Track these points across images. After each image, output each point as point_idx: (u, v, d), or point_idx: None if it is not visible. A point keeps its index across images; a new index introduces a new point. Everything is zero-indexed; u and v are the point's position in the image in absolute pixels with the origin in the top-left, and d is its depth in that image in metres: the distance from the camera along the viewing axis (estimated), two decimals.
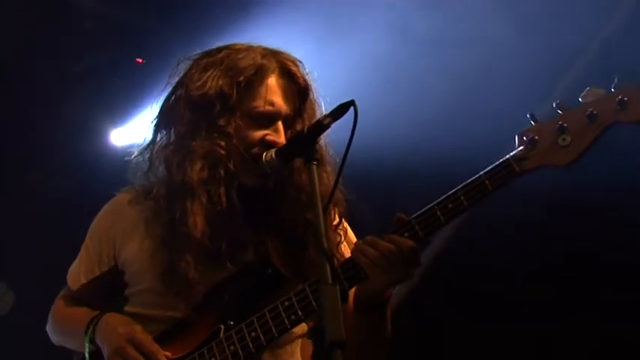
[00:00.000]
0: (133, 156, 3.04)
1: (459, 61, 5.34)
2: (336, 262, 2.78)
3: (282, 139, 2.81)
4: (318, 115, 2.89)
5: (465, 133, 5.18)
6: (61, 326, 3.08)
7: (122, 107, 6.56)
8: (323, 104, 2.94)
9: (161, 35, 6.24)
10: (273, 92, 2.86)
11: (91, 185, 6.34)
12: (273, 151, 2.70)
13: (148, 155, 2.97)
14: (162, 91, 3.00)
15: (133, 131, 6.50)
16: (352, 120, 2.45)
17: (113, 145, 6.69)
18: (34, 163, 6.63)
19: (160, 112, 2.99)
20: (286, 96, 2.88)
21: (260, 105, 2.84)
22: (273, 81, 2.87)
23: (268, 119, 2.85)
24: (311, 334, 2.96)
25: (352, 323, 2.73)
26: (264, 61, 2.89)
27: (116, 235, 2.97)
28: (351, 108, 2.46)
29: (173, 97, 2.95)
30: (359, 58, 5.41)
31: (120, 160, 6.41)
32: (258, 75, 2.86)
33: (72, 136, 6.65)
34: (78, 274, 3.05)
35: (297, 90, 2.92)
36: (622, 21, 4.98)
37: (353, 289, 2.71)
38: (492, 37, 5.25)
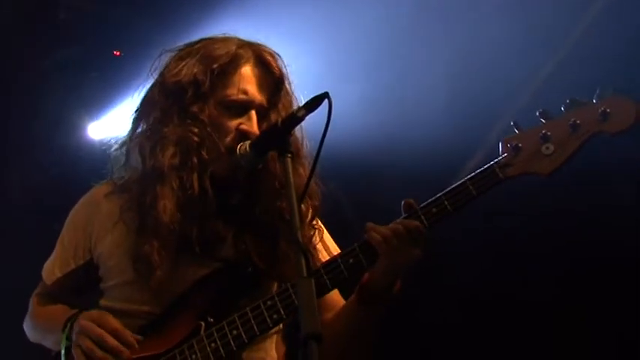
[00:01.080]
0: (112, 149, 3.04)
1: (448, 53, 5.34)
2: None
3: (254, 128, 2.82)
4: (294, 107, 2.89)
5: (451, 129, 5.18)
6: (38, 324, 3.06)
7: (99, 100, 6.52)
8: (301, 97, 2.94)
9: (138, 27, 6.21)
10: (247, 81, 2.87)
11: (69, 179, 6.31)
12: (247, 144, 2.69)
13: (125, 147, 2.98)
14: (142, 84, 3.02)
15: (111, 124, 6.48)
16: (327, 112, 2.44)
17: (90, 138, 6.66)
18: (10, 159, 6.58)
19: (139, 105, 3.00)
20: (260, 85, 2.89)
21: (233, 93, 2.86)
22: (247, 70, 2.89)
23: (241, 108, 2.86)
24: (285, 333, 2.98)
25: (347, 315, 2.82)
26: (240, 51, 2.90)
27: (92, 229, 2.97)
28: (326, 100, 2.46)
29: (150, 88, 2.98)
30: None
31: (98, 153, 6.43)
32: (233, 63, 2.88)
33: (48, 130, 6.62)
34: (52, 268, 3.04)
35: (273, 80, 2.93)
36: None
37: (363, 282, 2.75)
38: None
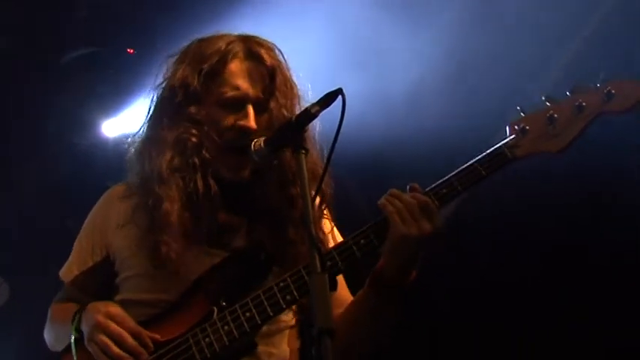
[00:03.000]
0: (128, 151, 3.08)
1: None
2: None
3: (251, 122, 2.84)
4: (296, 93, 2.98)
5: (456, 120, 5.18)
6: (52, 326, 3.08)
7: (113, 98, 6.55)
8: (308, 84, 3.01)
9: (152, 25, 6.22)
10: (238, 76, 2.90)
11: (84, 176, 6.35)
12: (262, 140, 2.70)
13: (132, 151, 3.04)
14: (155, 84, 3.06)
15: (125, 122, 6.50)
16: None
17: (105, 136, 6.69)
18: (24, 156, 6.61)
19: (148, 109, 3.07)
20: (253, 78, 2.91)
21: (226, 91, 2.89)
22: (237, 65, 2.91)
23: (236, 104, 2.89)
24: (299, 328, 2.99)
25: (358, 306, 2.83)
26: (229, 47, 2.93)
27: (108, 227, 3.01)
28: (339, 96, 2.46)
29: (152, 94, 3.05)
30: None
31: (111, 151, 6.48)
32: (221, 61, 2.91)
33: (63, 128, 6.65)
34: (70, 266, 3.07)
35: (266, 71, 2.94)
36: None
37: (377, 268, 2.74)
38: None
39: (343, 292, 3.00)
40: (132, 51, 6.46)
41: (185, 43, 3.06)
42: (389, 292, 2.73)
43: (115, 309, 2.75)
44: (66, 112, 6.56)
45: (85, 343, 2.73)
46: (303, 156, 2.43)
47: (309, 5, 5.40)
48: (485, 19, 5.20)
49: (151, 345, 2.70)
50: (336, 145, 2.43)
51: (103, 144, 6.64)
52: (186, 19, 5.71)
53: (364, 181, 5.33)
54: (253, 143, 2.70)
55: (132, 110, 6.32)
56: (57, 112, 6.52)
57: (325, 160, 2.54)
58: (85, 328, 2.77)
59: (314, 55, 4.69)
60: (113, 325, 2.68)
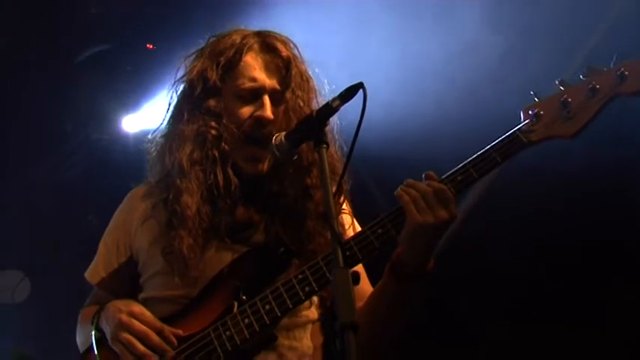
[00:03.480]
0: (150, 150, 3.09)
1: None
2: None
3: (268, 113, 2.86)
4: (312, 87, 3.00)
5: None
6: (80, 329, 3.08)
7: (133, 94, 6.57)
8: (324, 79, 3.02)
9: (171, 21, 6.23)
10: (254, 68, 2.93)
11: (104, 171, 6.38)
12: (282, 135, 2.70)
13: (152, 148, 3.07)
14: (175, 79, 3.08)
15: (145, 117, 6.54)
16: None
17: (125, 131, 6.71)
18: (46, 152, 6.65)
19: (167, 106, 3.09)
20: (269, 70, 2.94)
21: (242, 82, 2.91)
22: (252, 57, 2.94)
23: (253, 95, 2.91)
24: (322, 323, 2.98)
25: (378, 297, 2.81)
26: (244, 40, 2.96)
27: (131, 227, 3.04)
28: (360, 90, 2.47)
29: (171, 91, 3.07)
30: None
31: (132, 146, 6.50)
32: (237, 54, 2.94)
33: (83, 124, 6.68)
34: (97, 267, 3.09)
35: (282, 63, 2.96)
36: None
37: (394, 258, 2.73)
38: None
39: (364, 285, 2.99)
40: (151, 46, 6.47)
41: (203, 38, 3.08)
42: (407, 280, 2.71)
43: (138, 307, 2.77)
44: (86, 108, 6.59)
45: (110, 342, 2.75)
46: (324, 150, 2.43)
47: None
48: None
49: (174, 341, 2.71)
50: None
51: (123, 139, 6.67)
52: (205, 14, 5.72)
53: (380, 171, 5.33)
54: (274, 138, 2.71)
55: (152, 105, 6.34)
56: (78, 108, 6.55)
57: (346, 156, 2.53)
58: (106, 327, 2.79)
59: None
60: (137, 324, 2.70)
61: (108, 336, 2.76)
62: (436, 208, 2.60)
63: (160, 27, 6.30)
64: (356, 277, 2.56)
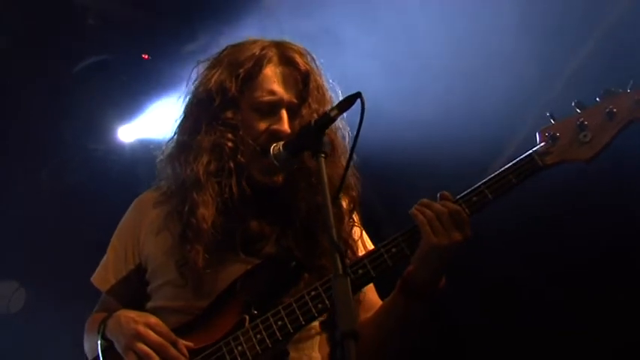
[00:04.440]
0: (159, 156, 3.09)
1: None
2: (350, 252, 2.90)
3: (285, 127, 2.85)
4: (328, 99, 2.98)
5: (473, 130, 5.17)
6: (87, 337, 3.07)
7: (129, 103, 6.56)
8: (338, 90, 3.01)
9: (166, 31, 6.24)
10: (272, 81, 2.91)
11: (100, 181, 6.37)
12: (281, 144, 2.72)
13: (166, 156, 3.05)
14: (184, 92, 3.09)
15: (140, 127, 6.53)
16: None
17: (121, 141, 6.70)
18: (42, 161, 6.63)
19: (179, 116, 3.07)
20: (287, 83, 2.93)
21: (260, 95, 2.90)
22: (271, 70, 2.93)
23: (271, 108, 2.90)
24: (328, 334, 2.98)
25: (387, 311, 2.83)
26: (263, 52, 2.95)
27: (140, 233, 3.03)
28: (358, 100, 2.49)
29: (186, 99, 3.06)
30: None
31: (127, 156, 6.50)
32: (257, 66, 2.92)
33: (79, 133, 6.67)
34: (106, 274, 3.08)
35: (300, 76, 2.96)
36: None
37: (405, 275, 2.74)
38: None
39: (372, 296, 3.01)
40: (147, 57, 6.47)
41: (208, 44, 3.07)
42: (417, 297, 2.74)
43: (154, 318, 2.75)
44: (82, 118, 6.58)
45: (121, 351, 2.73)
46: (322, 159, 2.45)
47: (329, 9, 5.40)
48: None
49: (187, 354, 2.70)
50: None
51: (119, 149, 6.66)
52: (201, 25, 5.74)
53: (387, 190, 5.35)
54: (272, 147, 2.73)
55: (148, 115, 6.34)
56: (73, 117, 6.54)
57: (346, 164, 2.57)
58: (116, 336, 2.77)
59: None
60: (154, 335, 2.69)
61: (118, 345, 2.75)
62: (451, 229, 2.63)
63: (155, 38, 6.31)
64: (359, 286, 2.63)
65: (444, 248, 2.63)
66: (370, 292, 3.01)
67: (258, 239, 2.89)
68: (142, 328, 2.70)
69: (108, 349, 2.79)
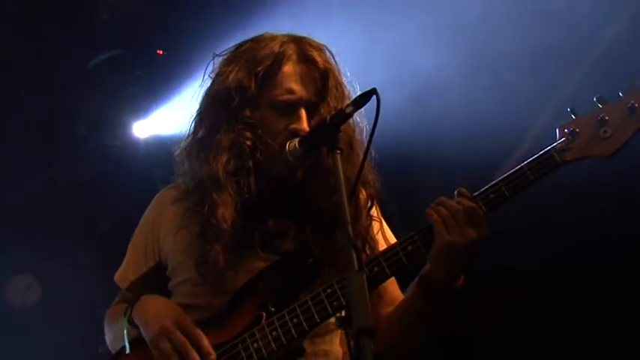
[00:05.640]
0: (176, 152, 3.07)
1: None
2: (367, 248, 2.89)
3: (304, 125, 2.84)
4: (347, 96, 2.95)
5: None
6: (109, 327, 3.08)
7: (144, 99, 6.58)
8: (357, 86, 3.00)
9: (181, 26, 6.25)
10: (291, 80, 2.89)
11: (115, 177, 6.39)
12: (296, 141, 2.72)
13: (184, 153, 3.03)
14: (201, 86, 3.07)
15: (155, 123, 6.55)
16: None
17: (135, 137, 6.72)
18: (55, 157, 6.65)
19: (196, 111, 3.05)
20: (306, 82, 2.91)
21: (279, 94, 2.88)
22: (290, 68, 2.90)
23: (289, 107, 2.88)
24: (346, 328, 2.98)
25: (406, 308, 2.84)
26: (282, 49, 2.92)
27: (159, 231, 3.04)
28: (374, 96, 2.47)
29: (203, 93, 3.04)
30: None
31: (142, 152, 6.51)
32: (276, 64, 2.90)
33: (94, 129, 6.69)
34: (126, 272, 3.11)
35: (319, 74, 2.93)
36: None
37: (423, 273, 2.74)
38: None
39: (394, 290, 3.01)
40: (161, 52, 6.49)
41: (222, 40, 3.04)
42: (436, 296, 2.73)
43: (185, 319, 2.74)
44: (97, 114, 6.60)
45: (148, 343, 2.72)
46: (338, 156, 2.44)
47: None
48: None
49: (212, 353, 2.68)
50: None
51: (134, 145, 6.68)
52: (216, 19, 5.74)
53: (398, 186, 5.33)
54: (288, 144, 2.73)
55: (163, 111, 6.36)
56: (88, 113, 6.56)
57: (361, 161, 2.57)
58: (144, 324, 2.77)
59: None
60: (179, 335, 2.67)
61: (145, 334, 2.75)
62: (466, 227, 2.61)
63: (170, 33, 6.32)
64: (375, 282, 2.65)
65: (459, 246, 2.61)
66: (392, 285, 3.00)
67: (276, 236, 2.89)
68: (170, 325, 2.69)
69: (135, 340, 2.80)
